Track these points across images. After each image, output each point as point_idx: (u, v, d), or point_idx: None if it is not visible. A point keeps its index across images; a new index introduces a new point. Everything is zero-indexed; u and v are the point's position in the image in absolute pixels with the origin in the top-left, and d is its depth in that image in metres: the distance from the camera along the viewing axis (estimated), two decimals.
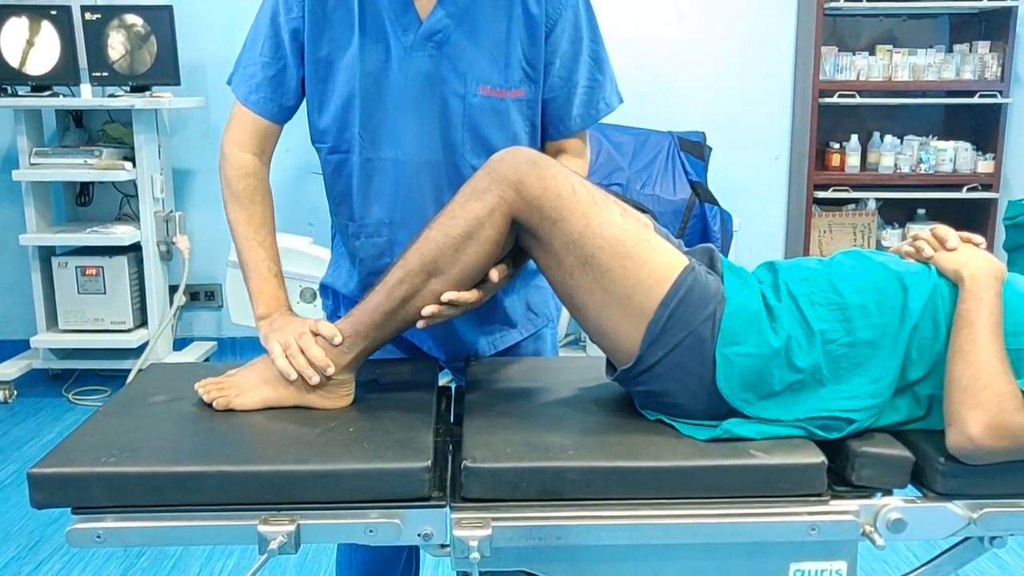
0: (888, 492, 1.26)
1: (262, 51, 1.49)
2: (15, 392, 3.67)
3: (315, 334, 1.34)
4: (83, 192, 3.92)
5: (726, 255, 3.58)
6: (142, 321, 3.75)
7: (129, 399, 1.39)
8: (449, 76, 1.45)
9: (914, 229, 3.81)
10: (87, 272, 3.64)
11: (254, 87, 1.50)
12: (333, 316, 1.68)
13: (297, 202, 3.94)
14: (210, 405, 1.33)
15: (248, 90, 1.51)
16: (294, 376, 1.32)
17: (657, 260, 1.30)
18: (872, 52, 3.94)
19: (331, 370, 1.32)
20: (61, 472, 1.14)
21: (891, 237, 4.07)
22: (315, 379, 1.32)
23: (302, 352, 1.32)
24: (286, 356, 1.33)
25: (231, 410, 1.33)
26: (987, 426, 1.19)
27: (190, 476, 1.15)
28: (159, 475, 1.15)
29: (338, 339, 1.32)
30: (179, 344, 3.95)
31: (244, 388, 1.34)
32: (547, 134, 1.56)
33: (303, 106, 1.56)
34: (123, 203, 3.92)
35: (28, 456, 3.03)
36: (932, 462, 1.24)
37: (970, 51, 3.92)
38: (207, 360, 3.92)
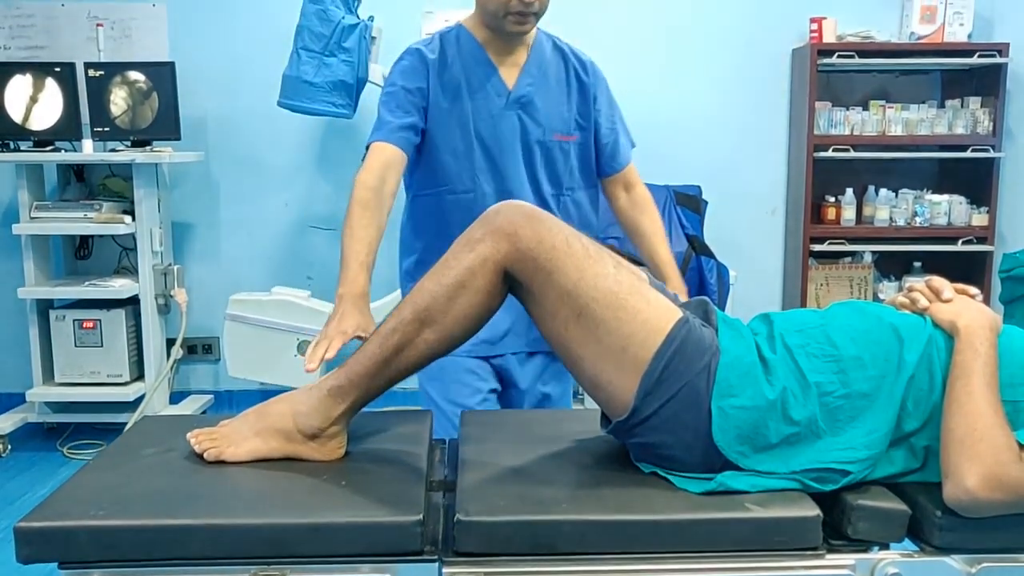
0: (885, 546, 1.25)
1: (396, 109, 1.90)
2: (9, 446, 3.64)
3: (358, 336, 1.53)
4: (82, 245, 3.93)
5: (723, 308, 3.59)
6: (139, 374, 3.74)
7: (120, 452, 1.38)
8: (533, 127, 2.00)
9: (910, 282, 3.83)
10: (85, 325, 3.64)
11: (394, 129, 1.89)
12: None
13: (296, 256, 3.96)
14: (201, 456, 1.32)
15: (387, 132, 1.89)
16: (312, 366, 1.47)
17: (651, 312, 1.30)
18: (865, 107, 3.98)
19: (326, 356, 1.48)
20: (48, 526, 1.13)
21: (888, 290, 4.08)
22: (312, 366, 1.46)
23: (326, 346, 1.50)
24: (316, 343, 1.52)
25: (222, 462, 1.32)
26: (983, 479, 1.18)
27: (179, 529, 1.14)
28: (148, 528, 1.14)
29: (372, 329, 1.45)
30: (176, 397, 3.93)
31: (236, 439, 1.34)
32: (607, 170, 2.13)
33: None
34: (122, 256, 3.93)
35: (20, 511, 2.99)
36: (929, 515, 1.23)
37: (962, 106, 3.97)
38: (203, 413, 3.90)
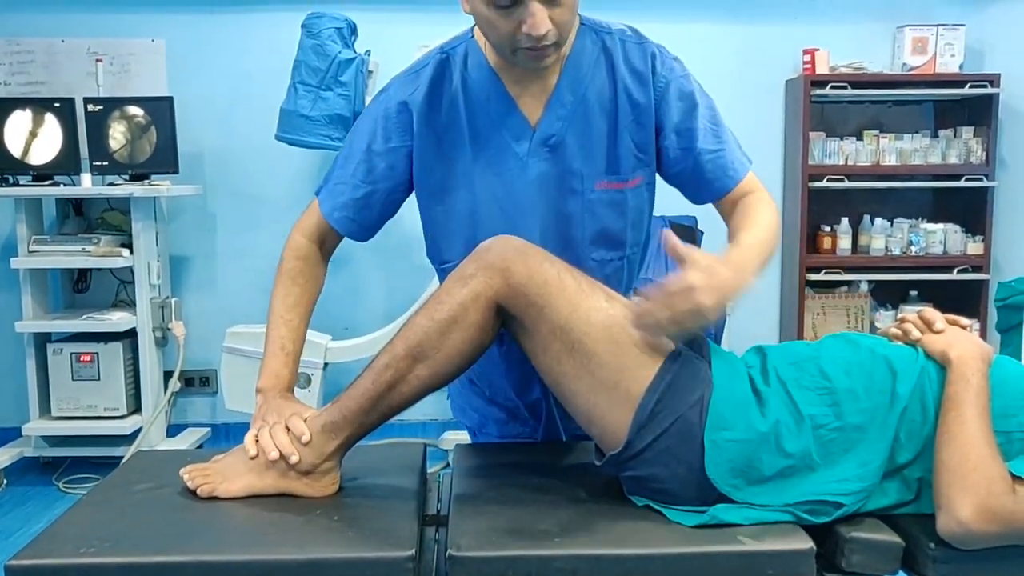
0: None
1: (353, 173, 1.52)
2: (4, 481, 3.63)
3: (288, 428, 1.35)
4: (80, 279, 3.94)
5: (719, 339, 3.59)
6: (136, 407, 3.73)
7: (113, 488, 1.38)
8: (566, 176, 1.48)
9: (907, 311, 3.83)
10: (82, 358, 3.63)
11: (339, 205, 1.54)
12: None
13: None
14: (195, 492, 1.32)
15: (332, 207, 1.54)
16: (253, 452, 1.33)
17: (643, 346, 1.30)
18: (859, 137, 4.01)
19: (294, 458, 1.32)
20: (39, 564, 1.13)
21: (884, 319, 4.08)
22: (273, 455, 1.32)
23: (270, 436, 1.34)
24: (256, 436, 1.35)
25: (215, 497, 1.31)
26: (977, 510, 1.18)
27: (171, 566, 1.14)
28: (139, 566, 1.14)
29: (306, 437, 1.32)
30: (173, 431, 3.92)
31: (229, 475, 1.33)
32: (705, 198, 1.60)
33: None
34: (120, 289, 3.94)
35: (15, 547, 2.94)
36: (923, 547, 1.22)
37: (955, 136, 4.00)
38: (200, 447, 3.88)
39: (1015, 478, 1.21)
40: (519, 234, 1.41)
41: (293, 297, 1.54)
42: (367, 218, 1.55)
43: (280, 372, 1.49)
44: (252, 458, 1.33)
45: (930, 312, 1.40)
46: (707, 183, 1.56)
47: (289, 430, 1.34)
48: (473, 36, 1.50)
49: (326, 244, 1.58)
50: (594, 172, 1.49)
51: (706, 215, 3.99)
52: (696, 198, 1.60)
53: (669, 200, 4.33)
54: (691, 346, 1.38)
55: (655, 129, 1.50)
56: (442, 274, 1.58)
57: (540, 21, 1.30)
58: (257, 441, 1.35)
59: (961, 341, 1.33)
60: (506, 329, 1.36)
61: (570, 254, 1.46)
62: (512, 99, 1.47)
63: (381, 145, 1.50)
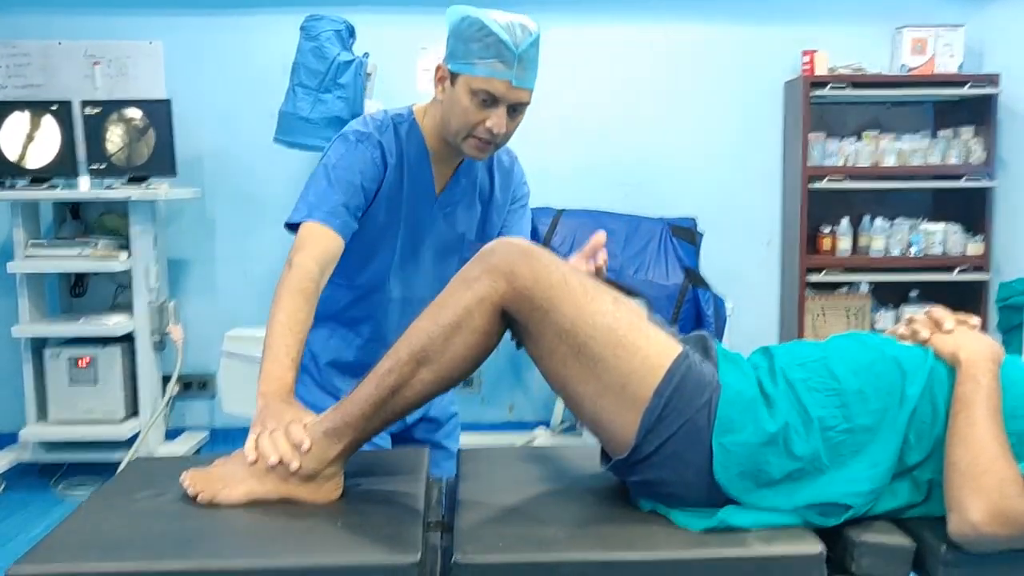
0: None
1: (347, 202, 1.70)
2: (2, 486, 3.61)
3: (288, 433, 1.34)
4: (77, 283, 3.92)
5: (720, 339, 3.58)
6: (134, 412, 3.71)
7: (112, 494, 1.37)
8: (452, 235, 1.87)
9: (908, 311, 3.83)
10: (79, 363, 3.62)
11: (339, 211, 1.69)
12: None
13: None
14: (195, 498, 1.30)
15: (331, 213, 1.68)
16: (252, 457, 1.32)
17: (650, 348, 1.29)
18: (859, 138, 4.01)
19: (295, 464, 1.30)
20: (39, 571, 1.11)
21: (885, 319, 4.08)
22: (272, 459, 1.30)
23: (270, 442, 1.33)
24: (256, 441, 1.34)
25: (216, 504, 1.30)
26: (988, 512, 1.17)
27: (174, 574, 1.12)
28: (142, 573, 1.12)
29: (306, 445, 1.31)
30: (171, 434, 3.90)
31: (229, 481, 1.32)
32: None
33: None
34: (117, 293, 3.92)
35: (14, 553, 2.95)
36: (934, 550, 1.21)
37: (955, 136, 3.99)
38: (198, 451, 3.87)
39: None
40: (419, 273, 1.86)
41: (303, 313, 1.57)
42: (353, 229, 1.75)
43: (283, 377, 1.48)
44: (252, 463, 1.32)
45: (939, 312, 1.38)
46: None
47: (291, 436, 1.33)
48: (413, 113, 1.82)
49: (325, 273, 1.66)
50: (470, 236, 1.90)
51: (706, 215, 4.01)
52: None
53: (669, 200, 4.36)
54: (698, 348, 1.37)
55: (502, 212, 1.93)
56: (339, 284, 1.82)
57: (502, 123, 1.67)
58: (257, 447, 1.33)
59: (971, 341, 1.32)
60: (511, 333, 1.35)
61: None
62: (430, 167, 1.82)
63: (370, 184, 1.75)
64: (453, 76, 1.68)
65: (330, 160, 1.74)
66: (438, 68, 1.72)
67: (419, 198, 1.82)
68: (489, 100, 1.65)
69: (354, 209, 1.72)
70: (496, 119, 1.66)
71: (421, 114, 1.83)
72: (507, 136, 1.72)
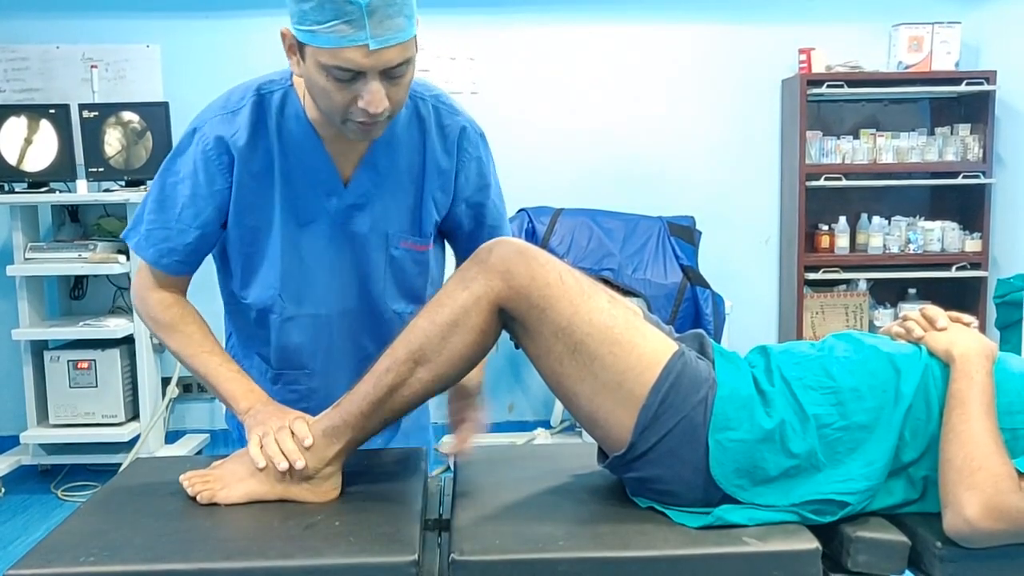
0: None
1: (179, 217, 1.46)
2: (3, 489, 3.62)
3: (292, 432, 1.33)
4: (77, 285, 3.93)
5: (719, 338, 3.59)
6: (134, 414, 3.72)
7: (112, 495, 1.37)
8: (372, 234, 1.52)
9: (906, 309, 3.83)
10: (79, 366, 3.62)
11: (166, 251, 1.48)
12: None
13: None
14: (194, 499, 1.31)
15: (159, 253, 1.48)
16: (262, 463, 1.31)
17: (646, 346, 1.29)
18: (856, 136, 4.01)
19: (300, 463, 1.30)
20: (40, 573, 1.11)
21: (883, 317, 4.08)
22: (283, 465, 1.29)
23: (276, 443, 1.31)
24: (260, 446, 1.32)
25: (215, 504, 1.30)
26: (983, 508, 1.17)
27: (173, 574, 1.12)
28: (141, 574, 1.12)
29: (308, 441, 1.31)
30: (171, 437, 3.91)
31: (229, 481, 1.32)
32: (461, 251, 1.63)
33: None
34: (117, 296, 3.93)
35: (14, 556, 2.95)
36: (929, 547, 1.22)
37: (952, 133, 4.00)
38: (199, 453, 3.87)
39: (1021, 475, 1.20)
40: (317, 285, 1.52)
41: (197, 334, 1.50)
42: (198, 258, 1.52)
43: (251, 387, 1.45)
44: (261, 469, 1.31)
45: (933, 310, 1.39)
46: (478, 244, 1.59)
47: (294, 435, 1.33)
48: (291, 84, 1.47)
49: (180, 286, 1.54)
50: (399, 231, 1.53)
51: (704, 214, 4.00)
52: (462, 252, 1.63)
53: (668, 200, 4.36)
54: (694, 346, 1.38)
55: (451, 196, 1.56)
56: (230, 306, 1.61)
57: (379, 99, 1.29)
58: (263, 450, 1.32)
59: (965, 338, 1.33)
60: (508, 331, 1.35)
61: (367, 306, 1.55)
62: (328, 155, 1.47)
63: (206, 189, 1.45)
64: (301, 47, 1.30)
65: (164, 169, 1.49)
66: (284, 34, 1.33)
67: (310, 190, 1.47)
68: (349, 75, 1.27)
69: (197, 231, 1.47)
70: (369, 96, 1.28)
71: (302, 86, 1.43)
72: (397, 105, 1.34)
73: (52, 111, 3.65)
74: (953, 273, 3.97)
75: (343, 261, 1.52)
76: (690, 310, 3.54)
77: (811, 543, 1.20)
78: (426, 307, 1.31)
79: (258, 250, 1.51)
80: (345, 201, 1.49)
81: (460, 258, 1.63)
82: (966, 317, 1.40)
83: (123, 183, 3.71)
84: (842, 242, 4.04)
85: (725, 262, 4.06)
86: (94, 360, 3.63)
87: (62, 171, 3.67)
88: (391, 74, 1.29)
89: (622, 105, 4.08)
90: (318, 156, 1.46)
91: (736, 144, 4.14)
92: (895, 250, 4.01)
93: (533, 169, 3.98)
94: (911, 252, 3.99)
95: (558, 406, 3.94)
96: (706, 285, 3.58)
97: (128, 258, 3.60)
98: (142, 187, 3.66)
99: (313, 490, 1.32)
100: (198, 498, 1.31)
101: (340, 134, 1.41)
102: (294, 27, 1.29)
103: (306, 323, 1.55)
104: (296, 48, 1.32)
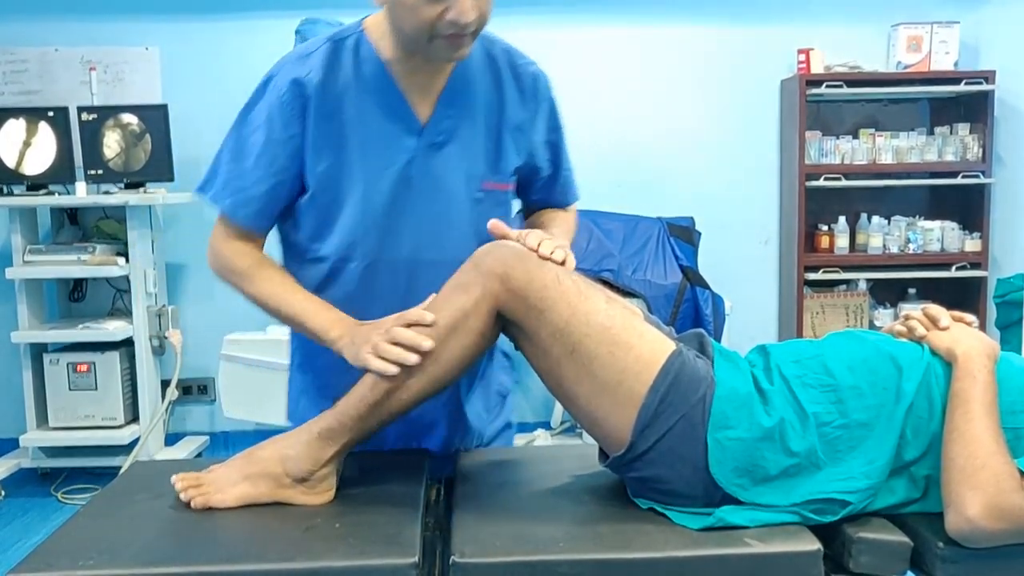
0: None
1: (255, 165, 1.44)
2: (2, 492, 3.61)
3: (405, 324, 1.27)
4: (76, 288, 3.92)
5: (719, 338, 3.59)
6: (133, 417, 3.72)
7: (111, 498, 1.37)
8: (452, 176, 1.48)
9: (906, 309, 3.83)
10: (79, 368, 3.62)
11: (242, 201, 1.46)
12: None
13: None
14: (188, 503, 1.30)
15: (235, 204, 1.46)
16: (393, 370, 1.25)
17: (644, 346, 1.29)
18: (855, 136, 4.01)
19: (427, 344, 1.24)
20: None
21: (883, 317, 4.08)
22: (413, 359, 1.24)
23: (394, 343, 1.26)
24: (380, 357, 1.26)
25: (211, 508, 1.30)
26: (985, 507, 1.17)
27: None
28: None
29: (429, 317, 1.26)
30: (171, 439, 3.91)
31: (222, 485, 1.32)
32: (540, 204, 1.65)
33: None
34: (116, 298, 3.92)
35: (14, 559, 2.95)
36: (931, 547, 1.21)
37: (951, 133, 4.00)
38: (199, 455, 3.87)
39: (1023, 475, 1.20)
40: (399, 231, 1.47)
41: (278, 276, 1.46)
42: (275, 210, 1.49)
43: (339, 316, 1.40)
44: (391, 375, 1.25)
45: (935, 309, 1.39)
46: (555, 192, 1.65)
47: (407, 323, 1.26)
48: (363, 29, 1.47)
49: (255, 242, 1.50)
50: (479, 172, 1.50)
51: (703, 214, 4.00)
52: (534, 200, 1.66)
53: (667, 201, 4.35)
54: (694, 346, 1.37)
55: (529, 139, 1.55)
56: (301, 263, 1.51)
57: (468, 7, 1.29)
58: (382, 358, 1.25)
59: (967, 338, 1.32)
60: (505, 334, 1.35)
61: (452, 255, 1.40)
62: (402, 94, 1.45)
63: (281, 133, 1.43)
64: None
65: (238, 121, 1.49)
66: None
67: (387, 131, 1.45)
68: None
69: (273, 178, 1.44)
70: (459, 6, 1.29)
71: (375, 28, 1.45)
72: (483, 18, 1.34)
73: (51, 113, 3.64)
74: (953, 273, 3.97)
75: (423, 206, 1.47)
76: (690, 311, 3.54)
77: (813, 544, 1.19)
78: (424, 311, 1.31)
79: (334, 198, 1.46)
80: (424, 140, 1.46)
81: (528, 213, 1.66)
82: (968, 316, 1.39)
83: (122, 185, 3.70)
84: (842, 242, 4.03)
85: (725, 263, 4.05)
86: (93, 363, 3.62)
87: (61, 173, 3.67)
88: None
89: (621, 106, 4.07)
90: (393, 96, 1.45)
91: (735, 144, 4.13)
92: (895, 250, 4.00)
93: None
94: (911, 252, 3.99)
95: (558, 407, 3.93)
96: (706, 286, 3.58)
97: (127, 260, 3.60)
98: (141, 189, 3.66)
99: (307, 493, 1.32)
100: (192, 503, 1.30)
101: (417, 78, 1.43)
102: None
103: (388, 269, 1.48)
104: None
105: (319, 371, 1.57)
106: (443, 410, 1.57)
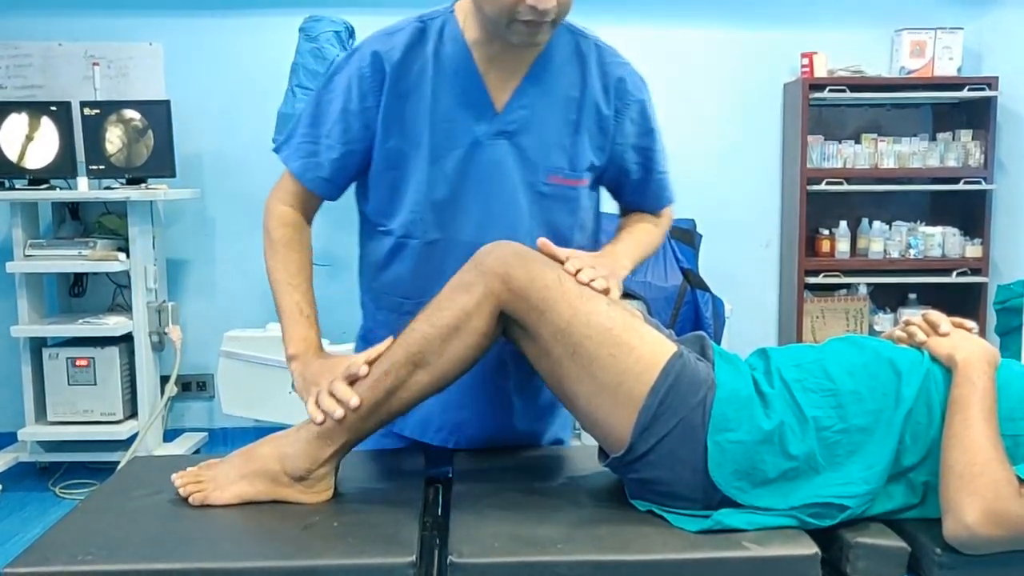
0: None
1: (328, 132, 1.48)
2: (1, 486, 3.61)
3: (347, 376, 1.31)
4: (76, 283, 3.92)
5: (719, 341, 3.58)
6: (132, 412, 3.71)
7: (110, 494, 1.37)
8: (519, 165, 1.48)
9: (906, 314, 3.83)
10: (78, 363, 3.62)
11: (312, 165, 1.50)
12: None
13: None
14: (186, 500, 1.31)
15: (305, 167, 1.50)
16: (320, 419, 1.29)
17: (645, 347, 1.29)
18: (858, 140, 4.01)
19: (355, 402, 1.28)
20: (36, 571, 1.11)
21: (884, 322, 4.08)
22: (339, 413, 1.28)
23: (330, 395, 1.30)
24: (316, 403, 1.31)
25: (209, 505, 1.30)
26: (983, 514, 1.17)
27: (170, 574, 1.12)
28: (138, 573, 1.12)
29: (355, 402, 1.28)
30: (170, 435, 3.90)
31: (221, 482, 1.32)
32: (633, 208, 1.67)
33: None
34: (116, 294, 3.92)
35: (11, 553, 2.94)
36: (928, 552, 1.21)
37: (953, 139, 4.00)
38: (197, 451, 3.87)
39: (1022, 482, 1.20)
40: (462, 213, 1.47)
41: (295, 264, 1.50)
42: (343, 179, 1.52)
43: (307, 335, 1.45)
44: (321, 424, 1.29)
45: (935, 315, 1.39)
46: (648, 196, 1.65)
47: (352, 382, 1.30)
48: (453, 11, 1.49)
49: (307, 208, 1.54)
50: (549, 165, 1.49)
51: (705, 217, 4.00)
52: (627, 202, 1.67)
53: None
54: (695, 348, 1.37)
55: (612, 140, 1.54)
56: (371, 234, 1.55)
57: None
58: (320, 407, 1.30)
59: (967, 344, 1.32)
60: (506, 334, 1.35)
61: (523, 241, 1.42)
62: (481, 78, 1.46)
63: (357, 104, 1.46)
64: None
65: (321, 87, 1.51)
66: None
67: (461, 114, 1.46)
68: None
69: (344, 147, 1.47)
70: None
71: (462, 9, 1.47)
72: (563, 9, 1.35)
73: (53, 108, 3.64)
74: (953, 278, 3.97)
75: (485, 192, 1.48)
76: (690, 313, 3.53)
77: (810, 548, 1.19)
78: (425, 310, 1.31)
79: (401, 175, 1.48)
80: (495, 127, 1.47)
81: (624, 212, 1.67)
82: (968, 323, 1.39)
83: (124, 181, 3.70)
84: (843, 246, 4.04)
85: (726, 265, 4.05)
86: (93, 358, 3.62)
87: (63, 168, 3.67)
88: None
89: None
90: (472, 80, 1.46)
91: (737, 148, 4.13)
92: (896, 255, 4.00)
93: None
94: (912, 257, 3.99)
95: None
96: (706, 288, 3.58)
97: (128, 255, 3.60)
98: (143, 185, 3.66)
99: (305, 491, 1.32)
100: (190, 499, 1.30)
101: (498, 58, 1.44)
102: None
103: (449, 249, 1.48)
104: None
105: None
106: (489, 411, 1.57)
